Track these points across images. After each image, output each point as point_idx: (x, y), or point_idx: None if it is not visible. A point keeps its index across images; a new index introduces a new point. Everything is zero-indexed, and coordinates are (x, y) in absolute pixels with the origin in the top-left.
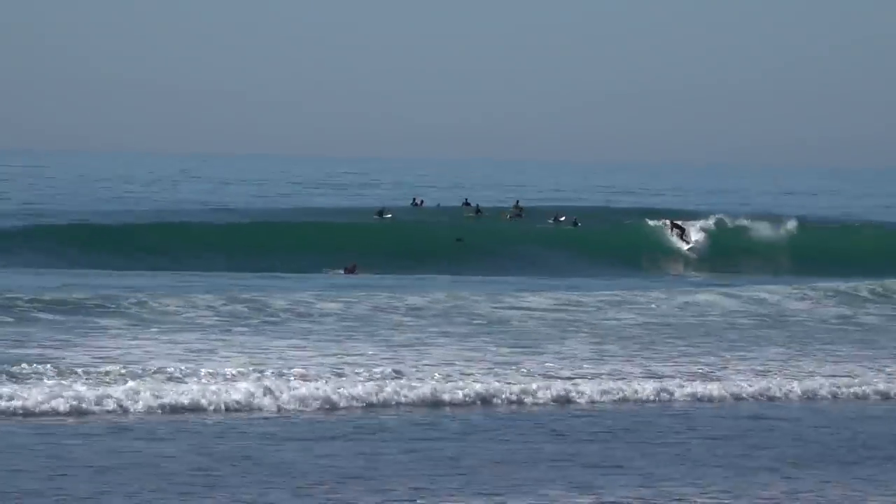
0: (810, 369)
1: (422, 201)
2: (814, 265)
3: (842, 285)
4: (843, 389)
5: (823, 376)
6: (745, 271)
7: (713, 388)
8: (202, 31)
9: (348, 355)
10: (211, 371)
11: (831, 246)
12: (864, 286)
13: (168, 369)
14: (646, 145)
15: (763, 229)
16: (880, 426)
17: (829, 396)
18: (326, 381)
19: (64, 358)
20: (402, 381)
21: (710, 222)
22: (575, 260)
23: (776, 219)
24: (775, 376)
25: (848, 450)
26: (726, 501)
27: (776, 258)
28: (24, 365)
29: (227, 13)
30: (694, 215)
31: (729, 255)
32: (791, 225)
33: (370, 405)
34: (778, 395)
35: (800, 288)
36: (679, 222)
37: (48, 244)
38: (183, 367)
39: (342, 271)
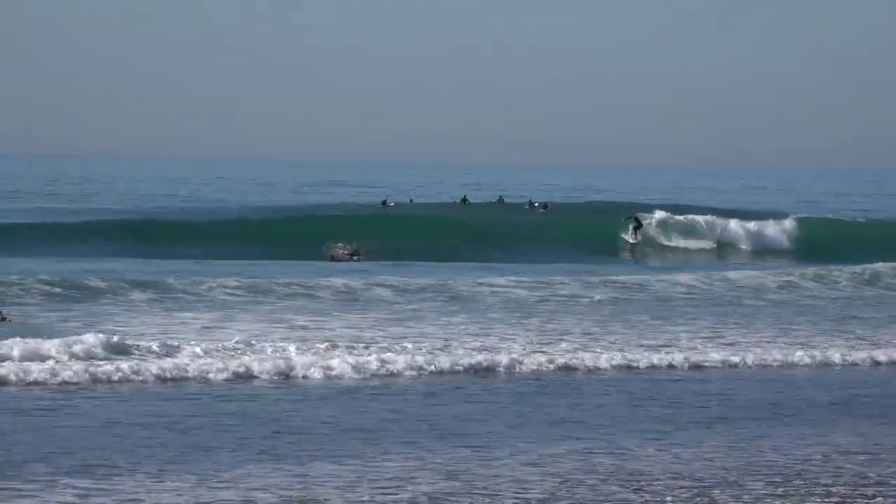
0: (733, 340)
1: (393, 202)
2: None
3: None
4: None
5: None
6: (736, 259)
7: (648, 357)
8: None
9: (347, 328)
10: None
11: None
12: (811, 270)
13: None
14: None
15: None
16: (797, 389)
17: (751, 365)
18: (333, 350)
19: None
20: (386, 353)
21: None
22: (558, 247)
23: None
24: (702, 346)
25: (772, 408)
26: (676, 450)
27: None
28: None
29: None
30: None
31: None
32: (787, 221)
33: (361, 373)
34: (704, 363)
35: (774, 272)
36: (639, 218)
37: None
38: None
39: (339, 246)
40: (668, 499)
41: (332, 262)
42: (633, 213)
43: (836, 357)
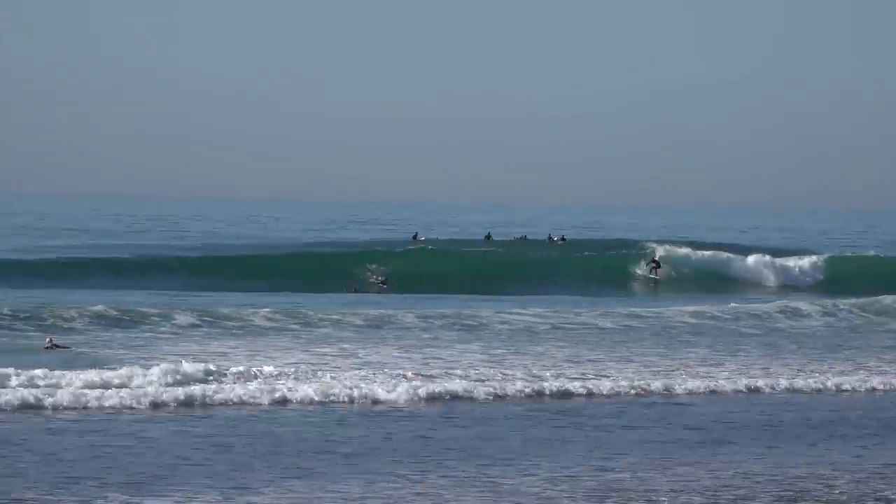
0: (734, 366)
1: (423, 237)
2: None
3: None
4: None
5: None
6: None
7: (651, 381)
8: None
9: (377, 357)
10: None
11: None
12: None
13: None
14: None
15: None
16: (795, 412)
17: (749, 389)
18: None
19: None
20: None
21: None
22: (577, 280)
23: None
24: (704, 372)
25: (769, 428)
26: (681, 469)
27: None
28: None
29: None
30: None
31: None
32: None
33: (386, 397)
34: (705, 387)
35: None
36: (658, 260)
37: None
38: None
39: (371, 269)
40: None
41: (355, 293)
42: (652, 256)
43: (829, 382)
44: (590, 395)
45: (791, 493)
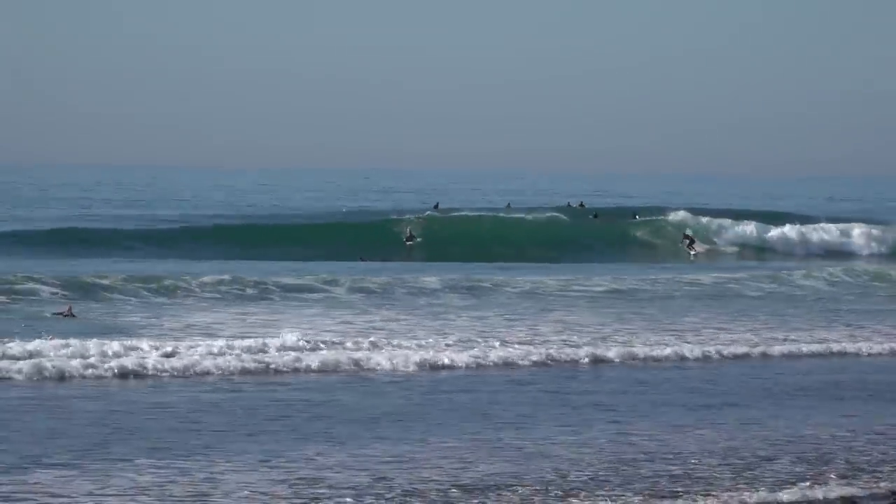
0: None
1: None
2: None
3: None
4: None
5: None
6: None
7: (659, 348)
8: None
9: (392, 321)
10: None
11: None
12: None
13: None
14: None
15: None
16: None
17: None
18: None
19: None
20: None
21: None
22: (591, 248)
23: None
24: (709, 337)
25: (779, 391)
26: (699, 432)
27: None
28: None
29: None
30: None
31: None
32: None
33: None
34: (713, 353)
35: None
36: (690, 234)
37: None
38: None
39: (404, 223)
40: (716, 474)
41: (361, 261)
42: (685, 233)
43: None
44: (595, 360)
45: (815, 451)
